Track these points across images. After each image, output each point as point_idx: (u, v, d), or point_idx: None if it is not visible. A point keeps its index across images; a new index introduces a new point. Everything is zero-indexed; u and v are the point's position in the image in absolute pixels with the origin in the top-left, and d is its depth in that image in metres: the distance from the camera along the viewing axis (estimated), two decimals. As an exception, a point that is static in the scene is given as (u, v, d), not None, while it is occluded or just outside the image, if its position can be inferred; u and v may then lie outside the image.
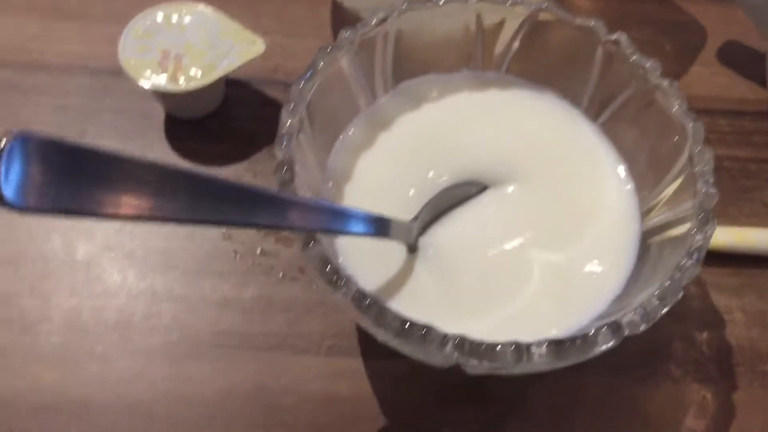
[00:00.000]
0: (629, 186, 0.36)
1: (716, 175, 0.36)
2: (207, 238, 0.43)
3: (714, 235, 0.40)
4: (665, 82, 0.34)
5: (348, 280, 0.28)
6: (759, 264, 0.42)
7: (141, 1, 0.46)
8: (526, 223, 0.35)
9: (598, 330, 0.27)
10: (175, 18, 0.45)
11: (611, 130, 0.38)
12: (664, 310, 0.28)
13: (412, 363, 0.33)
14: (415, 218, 0.35)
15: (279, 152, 0.31)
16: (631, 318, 0.28)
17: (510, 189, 0.36)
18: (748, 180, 0.46)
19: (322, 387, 0.38)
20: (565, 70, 0.38)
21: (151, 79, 0.43)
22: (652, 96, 0.34)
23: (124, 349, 0.39)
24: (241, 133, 0.47)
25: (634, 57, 0.35)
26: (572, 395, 0.38)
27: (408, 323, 0.27)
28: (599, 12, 0.36)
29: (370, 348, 0.39)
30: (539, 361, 0.27)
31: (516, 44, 0.38)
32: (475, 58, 0.40)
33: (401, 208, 0.35)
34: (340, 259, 0.34)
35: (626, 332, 0.27)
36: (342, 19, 0.50)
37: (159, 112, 0.47)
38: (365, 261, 0.34)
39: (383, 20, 0.36)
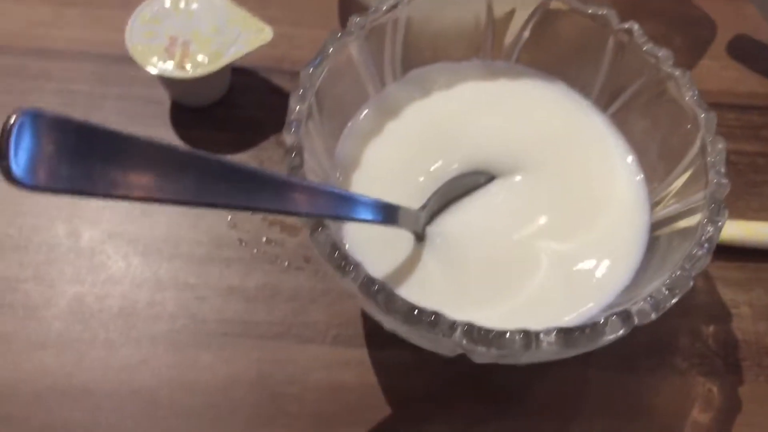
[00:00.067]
0: (639, 177, 0.36)
1: (727, 171, 0.36)
2: (212, 226, 0.43)
3: (723, 229, 0.41)
4: (678, 72, 0.33)
5: (357, 266, 0.28)
6: (766, 258, 0.42)
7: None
8: (535, 213, 0.35)
9: (607, 318, 0.27)
10: (182, 4, 0.45)
11: (622, 121, 0.37)
12: (675, 300, 0.28)
13: (417, 353, 0.33)
14: (423, 207, 0.35)
15: (288, 137, 0.31)
16: (641, 307, 0.27)
17: (519, 178, 0.36)
18: (756, 174, 0.46)
19: (326, 376, 0.38)
20: (575, 59, 0.38)
21: (158, 66, 0.42)
22: (663, 86, 0.34)
23: (128, 336, 0.39)
24: (247, 122, 0.47)
25: (646, 46, 0.35)
26: (577, 388, 0.38)
27: (417, 309, 0.27)
28: (607, 3, 0.36)
29: (375, 338, 0.39)
30: (548, 349, 0.27)
31: (526, 33, 0.38)
32: (485, 47, 0.39)
33: (409, 197, 0.35)
34: (347, 247, 0.33)
35: (636, 321, 0.27)
36: (350, 8, 0.50)
37: (165, 100, 0.47)
38: (372, 250, 0.33)
39: (393, 7, 0.36)
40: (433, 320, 0.27)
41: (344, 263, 0.28)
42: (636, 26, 0.35)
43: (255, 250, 0.42)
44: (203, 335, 0.39)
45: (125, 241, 0.42)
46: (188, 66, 0.42)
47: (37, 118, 0.19)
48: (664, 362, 0.39)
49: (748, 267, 0.42)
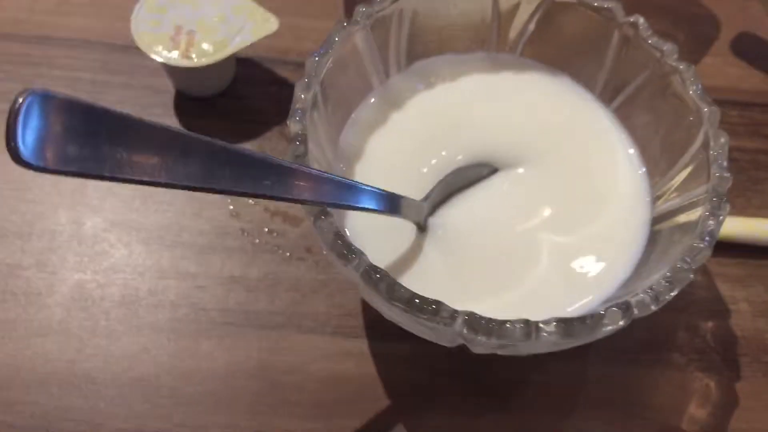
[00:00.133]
0: (641, 171, 0.36)
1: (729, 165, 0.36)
2: (214, 215, 0.43)
3: (723, 225, 0.41)
4: (682, 66, 0.34)
5: (359, 253, 0.28)
6: (766, 255, 0.42)
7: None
8: (537, 205, 0.35)
9: (607, 309, 0.27)
10: (188, -7, 0.45)
11: (625, 115, 0.37)
12: (675, 292, 0.28)
13: (417, 345, 0.33)
14: (426, 197, 0.35)
15: (293, 125, 0.31)
16: (641, 299, 0.27)
17: (521, 171, 0.36)
18: (757, 171, 0.46)
19: (326, 366, 0.38)
20: (580, 53, 0.38)
21: (163, 54, 0.42)
22: (668, 80, 0.34)
23: (129, 324, 0.39)
24: (250, 112, 0.47)
25: (651, 40, 0.35)
26: (576, 382, 0.38)
27: (418, 298, 0.27)
28: (615, -1, 0.36)
29: (375, 329, 0.39)
30: (547, 339, 0.27)
31: (531, 26, 0.38)
32: (490, 40, 0.39)
33: (412, 188, 0.35)
34: (349, 237, 0.33)
35: (636, 313, 0.27)
36: (355, 1, 0.50)
37: (169, 89, 0.47)
38: (374, 239, 0.33)
39: (399, -3, 0.36)
40: (434, 309, 0.27)
41: (347, 251, 0.28)
42: (641, 20, 0.35)
43: (257, 240, 0.42)
44: (204, 324, 0.39)
45: (127, 229, 0.42)
46: (193, 55, 0.43)
47: (45, 99, 0.19)
48: (662, 357, 0.39)
49: (748, 263, 0.42)
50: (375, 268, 0.28)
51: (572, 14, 0.37)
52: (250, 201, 0.43)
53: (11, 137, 0.18)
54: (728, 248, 0.42)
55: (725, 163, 0.31)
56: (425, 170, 0.36)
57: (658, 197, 0.35)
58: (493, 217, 0.35)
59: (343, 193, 0.30)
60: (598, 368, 0.38)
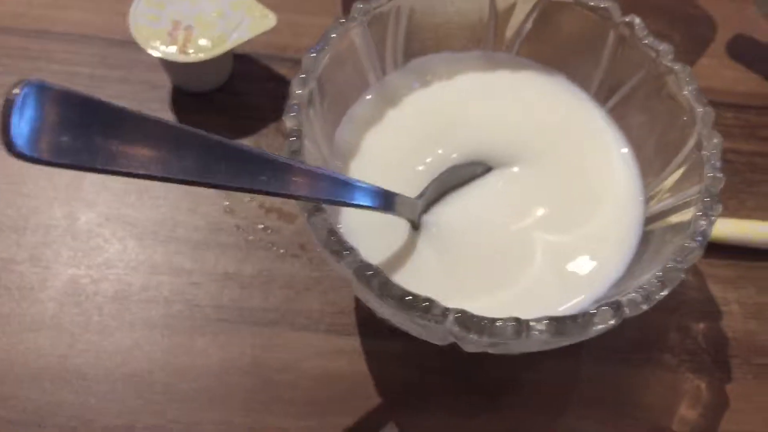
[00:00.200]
0: (635, 171, 0.36)
1: (722, 166, 0.36)
2: (209, 211, 0.43)
3: (715, 226, 0.41)
4: (678, 66, 0.34)
5: (352, 250, 0.28)
6: (758, 257, 0.42)
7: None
8: (531, 204, 0.35)
9: (598, 308, 0.27)
10: (186, -12, 0.45)
11: (620, 115, 0.37)
12: (665, 292, 0.28)
13: (410, 343, 0.34)
14: (421, 195, 0.35)
15: (288, 121, 0.31)
16: (632, 298, 0.28)
17: (516, 170, 0.37)
18: (752, 173, 0.46)
19: (319, 364, 0.38)
20: (576, 53, 0.38)
21: (161, 49, 0.42)
22: (663, 80, 0.34)
23: (122, 320, 0.39)
24: (247, 108, 0.47)
25: (647, 40, 0.35)
26: (568, 381, 0.38)
27: (410, 295, 0.27)
28: None
29: (368, 327, 0.39)
30: (538, 338, 0.27)
31: (528, 26, 0.38)
32: (486, 39, 0.40)
33: (407, 185, 0.35)
34: (343, 233, 0.33)
35: (627, 312, 0.27)
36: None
37: (166, 84, 0.47)
38: (368, 236, 0.34)
39: (397, -5, 0.36)
40: (425, 306, 0.27)
41: (340, 247, 0.28)
42: (637, 20, 0.35)
43: (251, 237, 0.42)
44: (198, 320, 0.39)
45: (122, 224, 0.42)
46: (191, 50, 0.43)
47: (41, 90, 0.19)
48: (654, 358, 0.39)
49: (740, 265, 0.42)
50: (368, 265, 0.28)
51: (568, 14, 0.37)
52: (246, 198, 0.43)
53: (6, 127, 0.18)
54: (720, 250, 0.42)
55: (718, 164, 0.31)
56: (420, 168, 0.36)
57: (652, 197, 0.35)
58: (487, 215, 0.35)
59: (337, 190, 0.30)
60: (590, 368, 0.39)
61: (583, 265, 0.33)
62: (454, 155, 0.37)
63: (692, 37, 0.52)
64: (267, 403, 0.37)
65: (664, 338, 0.40)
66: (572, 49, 0.38)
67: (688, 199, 0.32)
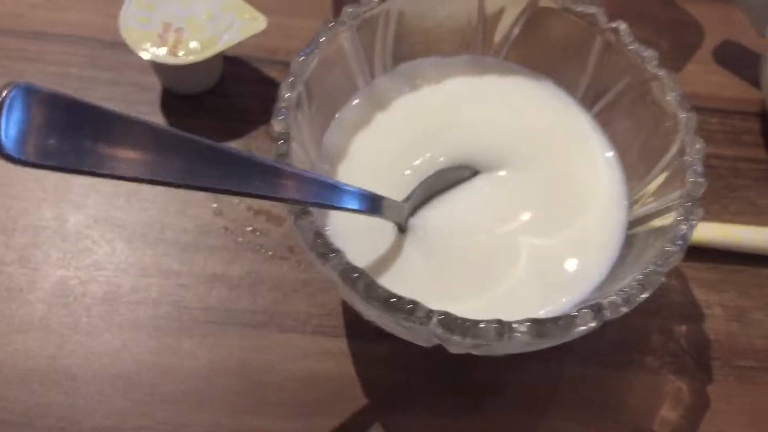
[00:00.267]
0: (619, 176, 0.37)
1: (704, 171, 0.36)
2: (198, 213, 0.43)
3: (698, 230, 0.41)
4: (662, 72, 0.34)
5: (338, 252, 0.28)
6: (740, 261, 0.43)
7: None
8: (517, 208, 0.36)
9: (579, 310, 0.28)
10: (177, -10, 0.45)
11: (606, 120, 0.38)
12: (646, 295, 0.28)
13: (396, 345, 0.34)
14: (407, 198, 0.35)
15: (276, 124, 0.31)
16: (612, 300, 0.28)
17: (502, 174, 0.37)
18: (735, 179, 0.46)
19: (306, 365, 0.38)
20: (563, 58, 0.38)
21: (151, 51, 0.43)
22: (648, 86, 0.35)
23: (111, 321, 0.39)
24: (237, 111, 0.47)
25: (632, 46, 0.35)
26: (552, 383, 0.39)
27: (395, 297, 0.28)
28: (599, 5, 0.37)
29: (355, 329, 0.39)
30: (521, 339, 0.27)
31: (516, 31, 0.39)
32: (475, 44, 0.40)
33: (394, 188, 0.35)
34: (330, 236, 0.34)
35: (607, 314, 0.28)
36: (343, 1, 0.50)
37: (156, 86, 0.47)
38: (355, 239, 0.34)
39: (386, -1, 0.36)
40: (410, 308, 0.27)
41: (326, 250, 0.29)
42: (623, 26, 0.36)
43: (240, 239, 0.42)
44: (186, 322, 0.39)
45: (111, 226, 0.42)
46: (181, 52, 0.43)
47: (29, 93, 0.19)
48: (636, 360, 0.40)
49: (722, 269, 0.43)
50: (353, 267, 0.28)
51: (556, 19, 0.37)
52: (234, 200, 0.43)
53: (-7, 130, 0.18)
54: (703, 253, 0.42)
55: (700, 169, 0.31)
56: (408, 172, 0.36)
57: (635, 201, 0.35)
58: (473, 219, 0.35)
59: (325, 193, 0.30)
60: (573, 370, 0.39)
61: (567, 268, 0.34)
62: (441, 159, 0.37)
63: (679, 44, 0.53)
64: (254, 405, 0.37)
65: (647, 340, 0.40)
66: (559, 55, 0.38)
67: (670, 204, 0.32)
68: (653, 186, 0.34)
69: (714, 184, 0.46)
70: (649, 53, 0.35)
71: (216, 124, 0.46)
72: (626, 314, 0.29)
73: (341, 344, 0.39)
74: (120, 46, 0.43)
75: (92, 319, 0.39)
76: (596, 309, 0.28)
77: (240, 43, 0.44)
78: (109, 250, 0.41)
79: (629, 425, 0.38)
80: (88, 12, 0.51)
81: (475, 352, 0.30)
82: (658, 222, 0.32)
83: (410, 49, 0.39)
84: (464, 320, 0.28)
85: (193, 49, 0.43)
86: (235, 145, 0.46)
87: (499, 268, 0.34)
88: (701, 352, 0.40)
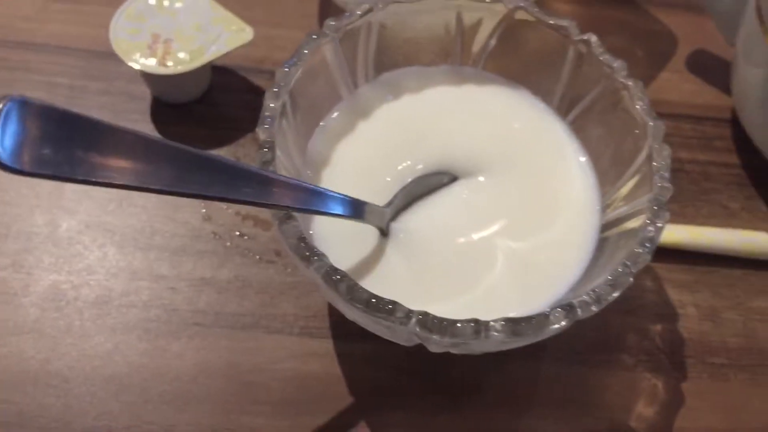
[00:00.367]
0: (593, 181, 0.38)
1: (678, 177, 0.37)
2: (187, 218, 0.44)
3: (671, 232, 0.43)
4: (631, 82, 0.35)
5: (321, 256, 0.30)
6: (712, 262, 0.44)
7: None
8: (495, 212, 0.37)
9: (552, 310, 0.29)
10: (166, 2, 0.46)
11: (579, 128, 0.39)
12: (615, 294, 0.30)
13: (380, 345, 0.35)
14: (389, 204, 0.36)
15: (261, 133, 0.33)
16: (583, 300, 0.29)
17: (481, 179, 0.38)
18: (707, 182, 0.48)
19: (293, 366, 0.39)
20: (538, 68, 0.40)
21: (140, 62, 0.44)
22: (618, 95, 0.36)
23: (103, 325, 0.40)
24: (225, 119, 0.48)
25: (603, 57, 0.36)
26: (530, 382, 0.40)
27: (375, 298, 0.29)
28: (576, 16, 0.38)
29: (340, 330, 0.40)
30: (496, 338, 0.28)
31: (493, 42, 0.40)
32: (454, 54, 0.41)
33: (376, 194, 0.36)
34: (315, 241, 0.35)
35: (579, 313, 0.29)
36: (329, 12, 0.51)
37: (146, 96, 0.48)
38: (339, 244, 0.35)
39: (367, 12, 0.37)
40: (390, 309, 0.29)
41: (309, 254, 0.30)
42: (594, 38, 0.37)
43: (228, 243, 0.43)
44: (175, 325, 0.40)
45: (102, 232, 0.43)
46: (170, 63, 0.44)
47: (23, 106, 0.21)
48: (612, 358, 0.41)
49: (696, 270, 0.44)
50: (335, 270, 0.29)
51: (531, 31, 0.39)
52: (223, 206, 0.44)
53: (-11, 142, 0.20)
54: (677, 255, 0.44)
55: (667, 174, 0.33)
56: (389, 178, 0.38)
57: (608, 205, 0.37)
58: (452, 223, 0.36)
59: (309, 199, 0.31)
60: (551, 369, 0.40)
61: (542, 270, 0.35)
62: (422, 165, 0.38)
63: (654, 52, 0.54)
64: (241, 405, 0.38)
65: (623, 339, 0.41)
66: (535, 65, 0.40)
67: (639, 207, 0.33)
68: (624, 190, 0.35)
69: (687, 187, 0.47)
70: (618, 64, 0.36)
71: (204, 132, 0.47)
72: (603, 314, 0.30)
73: (327, 345, 0.40)
74: (110, 56, 0.44)
75: (84, 322, 0.40)
76: (568, 308, 0.29)
77: (228, 54, 0.45)
78: (101, 254, 0.42)
79: (606, 422, 0.39)
80: (79, 23, 0.52)
81: (454, 350, 0.31)
82: (628, 225, 0.34)
83: (392, 60, 0.40)
84: (442, 320, 0.29)
85: (182, 60, 0.44)
86: (223, 152, 0.47)
87: (478, 270, 0.35)
88: (675, 351, 0.41)
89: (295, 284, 0.42)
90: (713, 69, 0.53)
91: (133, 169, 0.24)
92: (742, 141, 0.49)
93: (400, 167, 0.38)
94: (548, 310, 0.29)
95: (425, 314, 0.29)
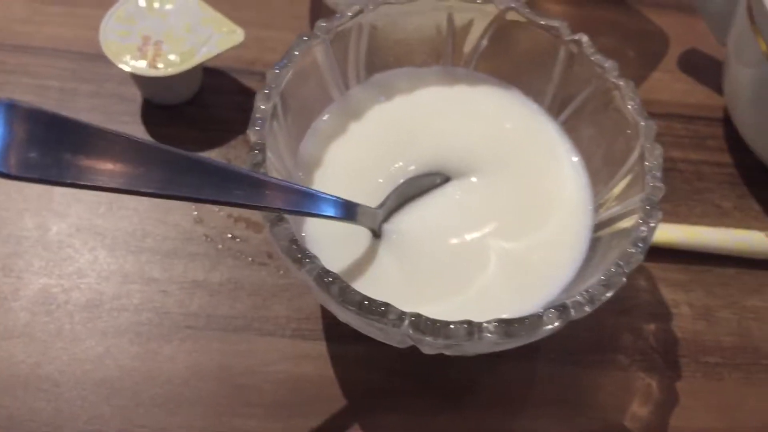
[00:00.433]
0: (585, 181, 0.38)
1: (670, 176, 0.37)
2: (179, 221, 0.44)
3: (665, 231, 0.43)
4: (622, 82, 0.35)
5: (312, 258, 0.29)
6: (706, 261, 0.44)
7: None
8: (487, 213, 0.37)
9: (545, 310, 0.29)
10: (156, 4, 0.46)
11: (571, 128, 0.39)
12: (608, 294, 0.30)
13: (373, 347, 0.35)
14: (381, 205, 0.36)
15: (252, 135, 0.32)
16: (577, 300, 0.29)
17: (473, 180, 0.38)
18: (700, 182, 0.48)
19: (286, 368, 0.39)
20: (529, 68, 0.40)
21: (131, 64, 0.43)
22: (610, 95, 0.36)
23: (93, 328, 0.40)
24: (216, 121, 0.48)
25: (594, 57, 0.36)
26: (525, 382, 0.40)
27: (367, 300, 0.29)
28: (568, 17, 0.38)
29: (333, 332, 0.40)
30: (490, 339, 0.28)
31: (484, 42, 0.40)
32: (445, 55, 0.41)
33: (368, 195, 0.36)
34: (306, 243, 0.35)
35: (572, 313, 0.29)
36: (320, 13, 0.51)
37: (137, 98, 0.48)
38: (331, 246, 0.35)
39: (358, 13, 0.37)
40: (382, 311, 0.28)
41: (301, 256, 0.30)
42: (585, 38, 0.37)
43: (220, 246, 0.43)
44: (167, 328, 0.40)
45: (93, 235, 0.43)
46: (160, 65, 0.44)
47: (10, 108, 0.20)
48: (607, 358, 0.41)
49: (689, 269, 0.44)
50: (327, 272, 0.29)
51: (522, 31, 0.39)
52: (214, 208, 0.44)
53: (-25, 145, 0.19)
54: (671, 254, 0.44)
55: (659, 174, 0.33)
56: (381, 180, 0.37)
57: (601, 205, 0.37)
58: (445, 223, 0.36)
59: (300, 201, 0.31)
60: (546, 369, 0.40)
61: (535, 270, 0.35)
62: (413, 167, 0.38)
63: (645, 52, 0.54)
64: (233, 407, 0.38)
65: (617, 339, 0.41)
66: (526, 65, 0.40)
67: (632, 207, 0.33)
68: (617, 190, 0.35)
69: (680, 187, 0.47)
70: (609, 64, 0.36)
71: (196, 133, 0.47)
72: (596, 314, 0.30)
73: (320, 347, 0.40)
74: (101, 58, 0.44)
75: (75, 326, 0.40)
76: (561, 309, 0.29)
77: (218, 55, 0.45)
78: (91, 258, 0.42)
79: (601, 422, 0.39)
80: (69, 26, 0.51)
81: (447, 352, 0.31)
82: (621, 224, 0.34)
83: (383, 61, 0.40)
84: (435, 321, 0.29)
85: (172, 62, 0.44)
86: (214, 154, 0.46)
87: (471, 271, 0.35)
88: (669, 350, 0.41)
89: (287, 286, 0.42)
90: (705, 69, 0.54)
91: (123, 172, 0.24)
92: (734, 140, 0.49)
93: (392, 168, 0.38)
94: (541, 310, 0.29)
95: (418, 316, 0.29)
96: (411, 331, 0.28)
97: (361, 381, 0.39)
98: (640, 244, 0.31)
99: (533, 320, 0.29)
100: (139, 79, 0.46)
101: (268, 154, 0.33)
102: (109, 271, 0.42)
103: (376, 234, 0.36)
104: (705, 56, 0.54)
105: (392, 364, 0.39)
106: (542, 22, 0.38)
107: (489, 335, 0.28)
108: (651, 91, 0.52)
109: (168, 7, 0.46)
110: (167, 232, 0.43)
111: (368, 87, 0.40)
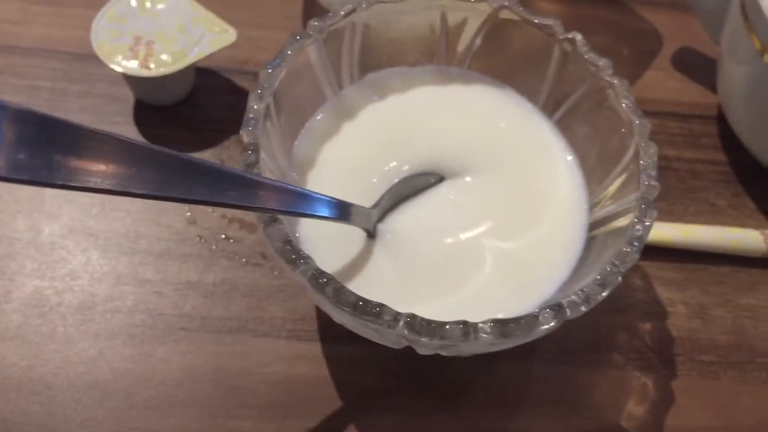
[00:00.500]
0: (580, 180, 0.38)
1: (665, 174, 0.37)
2: (172, 222, 0.43)
3: (660, 230, 0.43)
4: (616, 80, 0.35)
5: (307, 259, 0.29)
6: (701, 260, 0.44)
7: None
8: (482, 212, 0.37)
9: (541, 310, 0.29)
10: (148, 4, 0.46)
11: (566, 126, 0.39)
12: (604, 294, 0.30)
13: (368, 348, 0.34)
14: (376, 205, 0.36)
15: (245, 135, 0.32)
16: (572, 300, 0.29)
17: (467, 179, 0.38)
18: (694, 180, 0.48)
19: (281, 369, 0.39)
20: (523, 67, 0.40)
21: (123, 64, 0.43)
22: (604, 93, 0.36)
23: (86, 330, 0.40)
24: (209, 121, 0.48)
25: (588, 55, 0.36)
26: (521, 382, 0.40)
27: (362, 301, 0.29)
28: (562, 15, 0.38)
29: (328, 333, 0.40)
30: (485, 339, 0.28)
31: (478, 41, 0.40)
32: (439, 54, 0.41)
33: (362, 195, 0.36)
34: (301, 243, 0.35)
35: (568, 313, 0.29)
36: (313, 12, 0.51)
37: (129, 98, 0.48)
38: (325, 246, 0.35)
39: (351, 12, 0.37)
40: (377, 312, 0.28)
41: (295, 256, 0.29)
42: (579, 36, 0.37)
43: (213, 247, 0.43)
44: (161, 329, 0.40)
45: (85, 236, 0.43)
46: (152, 65, 0.43)
47: (1, 110, 0.20)
48: (602, 358, 0.41)
49: (684, 268, 0.44)
50: (322, 273, 0.29)
51: (516, 30, 0.39)
52: (208, 209, 0.44)
53: (-35, 146, 0.19)
54: (666, 253, 0.44)
55: (654, 172, 0.33)
56: (375, 180, 0.37)
57: (595, 204, 0.37)
58: (439, 223, 0.36)
59: (294, 201, 0.31)
60: (542, 368, 0.40)
61: (531, 270, 0.35)
62: (407, 167, 0.38)
63: (639, 51, 0.54)
64: (228, 409, 0.38)
65: (613, 338, 0.41)
66: (520, 64, 0.40)
67: (627, 206, 0.33)
68: (612, 189, 0.35)
69: (675, 185, 0.47)
70: (603, 62, 0.36)
71: (188, 134, 0.47)
72: (592, 313, 0.30)
73: (315, 348, 0.40)
74: (92, 58, 0.44)
75: (68, 328, 0.40)
76: (557, 308, 0.29)
77: (211, 55, 0.44)
78: (84, 259, 0.42)
79: (596, 421, 0.39)
80: (60, 26, 0.51)
81: (443, 352, 0.31)
82: (616, 223, 0.34)
83: (376, 60, 0.40)
84: (430, 322, 0.29)
85: (164, 62, 0.44)
86: (207, 154, 0.46)
87: (466, 270, 0.35)
88: (665, 349, 0.41)
89: (282, 287, 0.41)
90: (699, 67, 0.54)
91: (115, 173, 0.24)
92: (728, 138, 0.49)
93: (386, 168, 0.38)
94: (537, 310, 0.29)
95: (413, 316, 0.28)
96: (406, 332, 0.28)
97: (356, 382, 0.39)
98: (635, 243, 0.31)
99: (529, 320, 0.28)
100: (130, 80, 0.46)
101: (262, 154, 0.32)
102: (102, 272, 0.41)
103: (371, 234, 0.36)
104: (699, 54, 0.54)
105: (387, 365, 0.39)
106: (536, 21, 0.38)
107: (485, 335, 0.28)
108: (645, 89, 0.52)
109: (160, 6, 0.46)
110: (160, 233, 0.43)
111: (362, 86, 0.40)
